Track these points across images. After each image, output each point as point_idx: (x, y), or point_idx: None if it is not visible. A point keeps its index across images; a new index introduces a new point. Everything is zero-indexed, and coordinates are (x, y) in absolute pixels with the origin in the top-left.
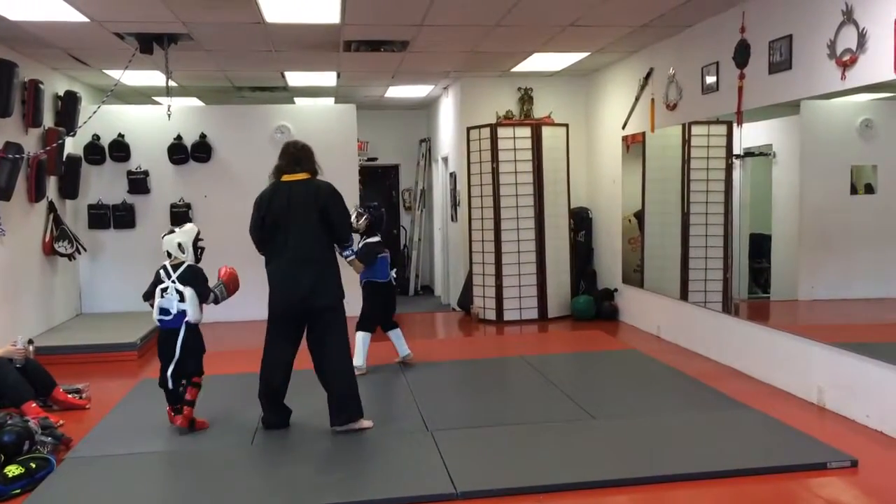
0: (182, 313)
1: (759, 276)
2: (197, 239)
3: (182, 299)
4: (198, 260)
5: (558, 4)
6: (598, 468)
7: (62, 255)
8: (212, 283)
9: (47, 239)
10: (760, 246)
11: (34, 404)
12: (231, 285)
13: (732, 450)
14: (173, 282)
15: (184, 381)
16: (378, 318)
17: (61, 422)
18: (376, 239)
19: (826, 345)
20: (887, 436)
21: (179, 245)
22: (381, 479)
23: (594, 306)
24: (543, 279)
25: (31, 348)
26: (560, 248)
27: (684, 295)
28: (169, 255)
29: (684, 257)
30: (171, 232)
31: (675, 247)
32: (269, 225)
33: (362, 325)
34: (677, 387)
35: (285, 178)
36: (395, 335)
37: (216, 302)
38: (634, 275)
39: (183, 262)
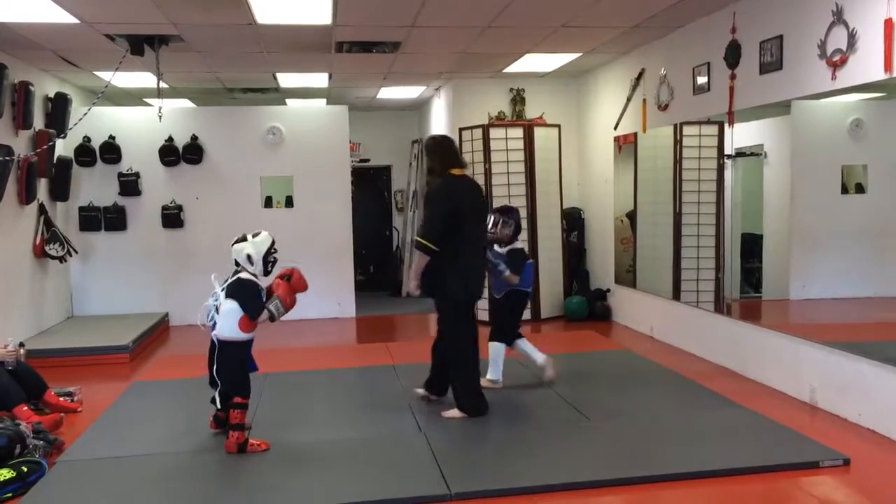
0: (215, 325)
1: (751, 275)
2: (269, 251)
3: (218, 311)
4: (266, 273)
5: (550, 5)
6: (591, 468)
7: (53, 257)
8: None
9: (38, 241)
10: (752, 245)
11: (25, 408)
12: (288, 300)
13: (725, 449)
14: (221, 291)
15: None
16: (514, 328)
17: (62, 415)
18: (521, 245)
19: (818, 344)
20: (879, 434)
21: (249, 257)
22: (374, 480)
23: (587, 307)
24: (536, 279)
25: (22, 351)
26: (552, 248)
27: (677, 295)
28: (237, 263)
29: (676, 257)
30: (243, 240)
31: (667, 247)
32: (460, 217)
33: (498, 336)
34: (670, 386)
35: (456, 172)
36: (523, 344)
37: (272, 319)
38: (627, 275)
39: (238, 273)
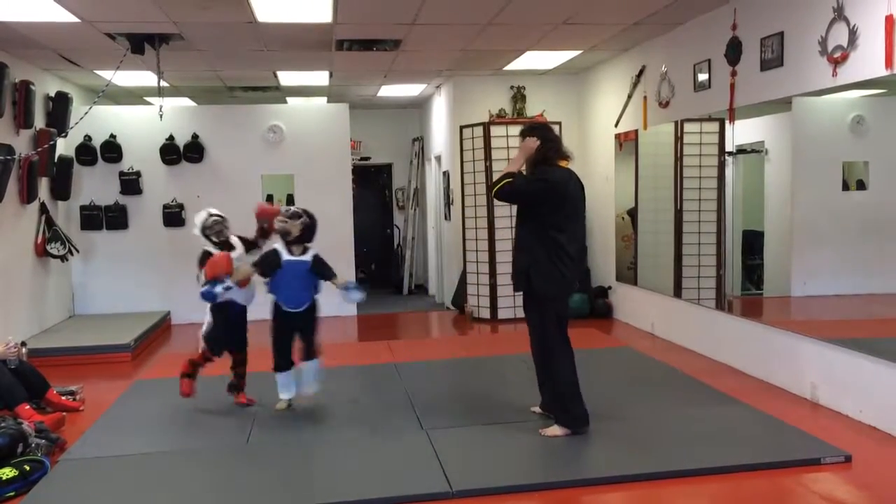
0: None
1: (752, 272)
2: (203, 226)
3: None
4: (214, 244)
5: (550, 2)
6: (593, 465)
7: (54, 256)
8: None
9: (39, 240)
10: (753, 242)
11: (28, 406)
12: (208, 273)
13: (727, 446)
14: None
15: None
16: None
17: (64, 414)
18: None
19: (819, 340)
20: (881, 431)
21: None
22: (376, 478)
23: (588, 304)
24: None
25: (23, 350)
26: None
27: (678, 292)
28: None
29: (677, 254)
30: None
31: (668, 244)
32: (566, 213)
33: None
34: (671, 383)
35: (563, 164)
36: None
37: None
38: (628, 272)
39: None
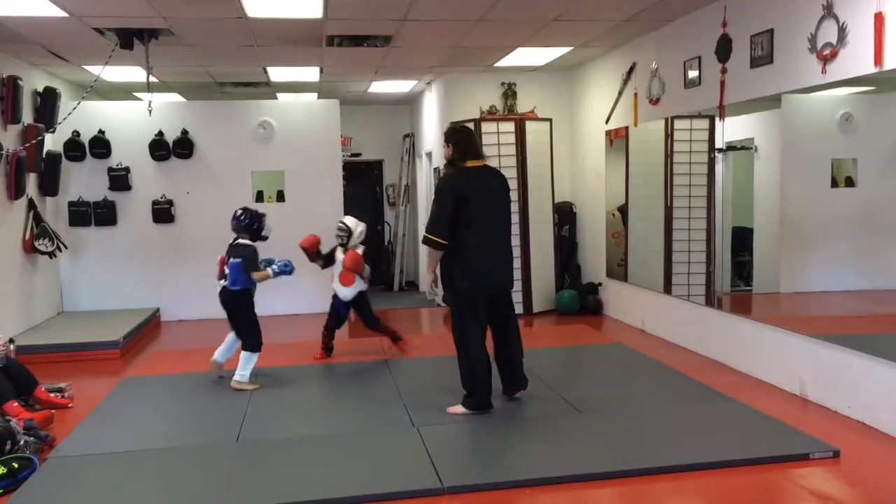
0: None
1: (742, 269)
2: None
3: None
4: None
5: None
6: (583, 462)
7: (43, 252)
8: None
9: (27, 237)
10: (743, 239)
11: (16, 404)
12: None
13: (716, 442)
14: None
15: None
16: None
17: (52, 411)
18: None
19: (808, 337)
20: (868, 426)
21: None
22: (366, 475)
23: (579, 300)
24: (528, 274)
25: (11, 347)
26: (544, 242)
27: (668, 288)
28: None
29: (668, 251)
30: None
31: (658, 241)
32: (469, 212)
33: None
34: (661, 380)
35: (471, 164)
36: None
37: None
38: (618, 269)
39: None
